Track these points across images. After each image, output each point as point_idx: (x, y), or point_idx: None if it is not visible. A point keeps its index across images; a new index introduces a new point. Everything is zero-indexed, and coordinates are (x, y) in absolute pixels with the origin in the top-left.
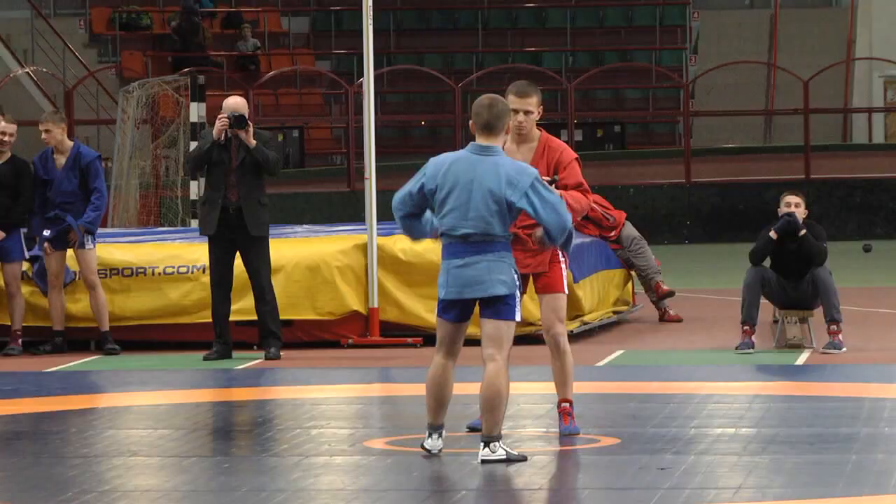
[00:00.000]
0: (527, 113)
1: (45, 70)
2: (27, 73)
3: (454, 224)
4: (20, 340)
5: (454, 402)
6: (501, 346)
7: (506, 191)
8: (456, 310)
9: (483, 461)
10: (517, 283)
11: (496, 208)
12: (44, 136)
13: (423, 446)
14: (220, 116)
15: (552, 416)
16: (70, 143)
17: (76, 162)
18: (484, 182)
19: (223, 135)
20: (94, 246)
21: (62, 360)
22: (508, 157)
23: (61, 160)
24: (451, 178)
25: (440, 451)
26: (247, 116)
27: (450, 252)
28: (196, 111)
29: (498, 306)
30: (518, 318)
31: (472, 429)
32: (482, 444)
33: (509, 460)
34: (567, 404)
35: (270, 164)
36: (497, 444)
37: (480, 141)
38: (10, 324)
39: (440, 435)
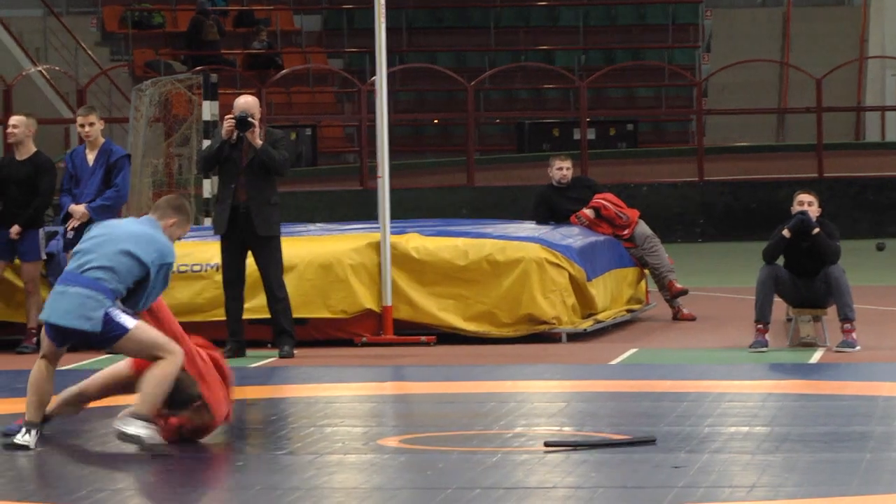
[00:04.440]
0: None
1: (57, 68)
2: (39, 71)
3: None
4: (34, 339)
5: (468, 401)
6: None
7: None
8: None
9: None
10: None
11: None
12: (87, 129)
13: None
14: (226, 117)
15: (565, 415)
16: (102, 140)
17: (105, 159)
18: None
19: (233, 134)
20: None
21: (75, 359)
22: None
23: (91, 157)
24: None
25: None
26: (258, 115)
27: None
28: (209, 109)
29: None
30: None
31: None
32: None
33: (135, 439)
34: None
35: (276, 165)
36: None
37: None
38: (25, 321)
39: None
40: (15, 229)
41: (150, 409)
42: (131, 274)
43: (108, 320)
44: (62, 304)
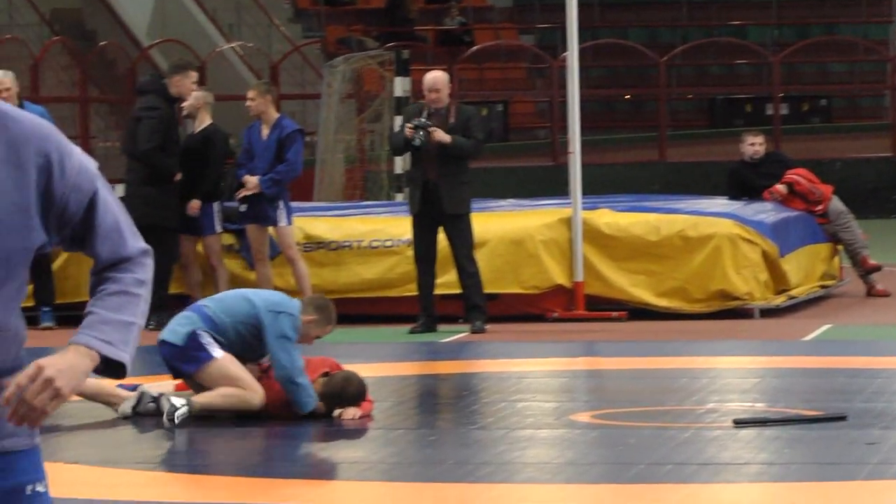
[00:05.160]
0: None
1: (250, 45)
2: (233, 48)
3: None
4: None
5: (660, 376)
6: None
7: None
8: None
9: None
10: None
11: None
12: (247, 103)
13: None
14: (407, 126)
15: (758, 391)
16: (275, 116)
17: (278, 134)
18: None
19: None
20: (290, 223)
21: None
22: None
23: (265, 132)
24: None
25: None
26: (447, 91)
27: None
28: (400, 86)
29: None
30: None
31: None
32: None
33: (170, 414)
34: None
35: (467, 153)
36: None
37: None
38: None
39: None
40: (195, 205)
41: (203, 406)
42: (240, 311)
43: (194, 339)
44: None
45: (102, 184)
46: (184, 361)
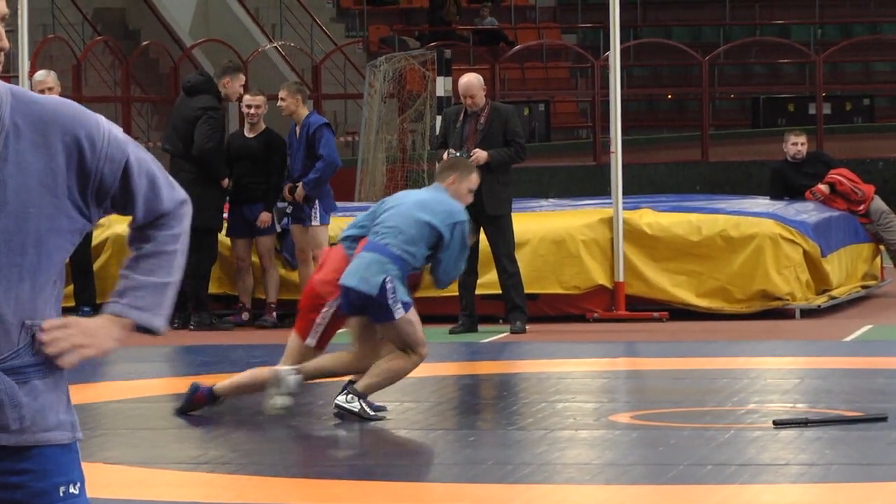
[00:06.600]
0: None
1: (292, 45)
2: (275, 47)
3: None
4: (274, 313)
5: (701, 377)
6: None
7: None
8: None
9: (336, 405)
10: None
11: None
12: (278, 103)
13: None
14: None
15: (799, 391)
16: (304, 113)
17: (306, 131)
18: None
19: None
20: (323, 223)
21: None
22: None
23: (298, 132)
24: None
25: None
26: (481, 94)
27: None
28: (442, 85)
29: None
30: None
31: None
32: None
33: (362, 417)
34: None
35: (512, 162)
36: (355, 397)
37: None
38: (264, 297)
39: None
40: (266, 218)
41: (366, 390)
42: (423, 238)
43: (383, 291)
44: (350, 267)
45: (132, 147)
46: (372, 311)
